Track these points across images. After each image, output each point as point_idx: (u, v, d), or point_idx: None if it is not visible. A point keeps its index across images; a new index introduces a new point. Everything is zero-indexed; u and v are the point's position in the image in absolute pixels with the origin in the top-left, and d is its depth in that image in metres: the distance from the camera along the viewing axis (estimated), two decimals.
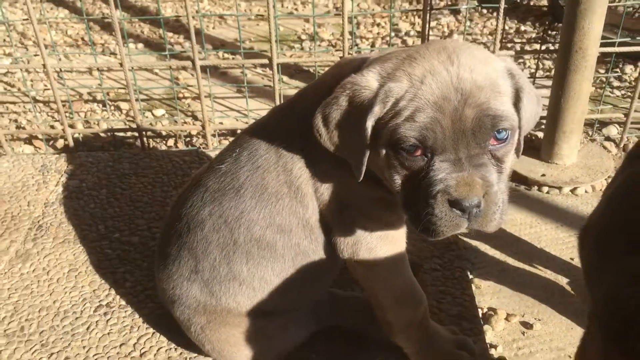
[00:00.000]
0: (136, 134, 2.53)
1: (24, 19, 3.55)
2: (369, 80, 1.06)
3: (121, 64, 2.23)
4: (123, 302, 1.63)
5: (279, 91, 2.29)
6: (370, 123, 1.05)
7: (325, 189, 1.23)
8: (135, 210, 1.99)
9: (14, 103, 2.75)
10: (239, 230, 1.26)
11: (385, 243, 1.29)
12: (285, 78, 3.10)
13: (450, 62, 1.02)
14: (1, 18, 2.80)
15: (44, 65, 2.21)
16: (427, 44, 1.09)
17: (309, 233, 1.26)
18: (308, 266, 1.27)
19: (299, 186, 1.22)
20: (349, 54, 3.35)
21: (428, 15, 2.25)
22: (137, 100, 2.77)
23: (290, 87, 2.97)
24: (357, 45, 3.43)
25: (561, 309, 1.78)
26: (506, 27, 3.60)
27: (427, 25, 2.25)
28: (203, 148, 2.51)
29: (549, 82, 2.33)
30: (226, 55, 3.34)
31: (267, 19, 2.13)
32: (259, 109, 2.80)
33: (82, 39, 3.58)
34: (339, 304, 1.51)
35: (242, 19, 3.77)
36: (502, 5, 2.10)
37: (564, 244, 2.02)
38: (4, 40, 3.49)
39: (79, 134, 2.51)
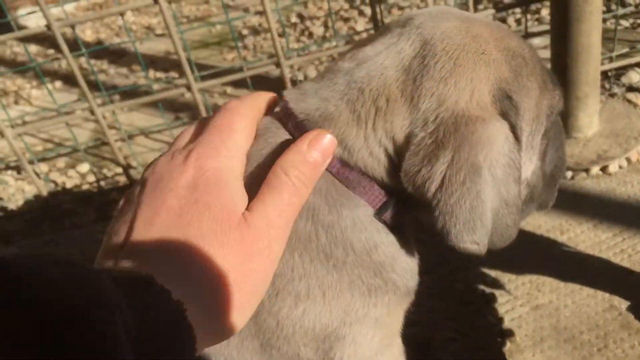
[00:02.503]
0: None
1: None
2: (491, 131, 0.73)
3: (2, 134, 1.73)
4: None
5: None
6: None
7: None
8: None
9: None
10: None
11: None
12: (229, 89, 2.59)
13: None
14: None
15: None
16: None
17: None
18: None
19: None
20: (297, 40, 2.84)
21: None
22: (55, 157, 2.28)
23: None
24: (307, 29, 2.91)
25: (629, 352, 1.31)
26: None
27: None
28: None
29: (540, 28, 1.82)
30: (158, 75, 2.83)
31: (169, 33, 1.62)
32: None
33: None
34: None
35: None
36: None
37: (609, 249, 1.54)
38: None
39: None
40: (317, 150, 0.67)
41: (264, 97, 0.75)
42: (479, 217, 0.70)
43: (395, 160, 0.75)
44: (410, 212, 0.79)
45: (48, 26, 1.57)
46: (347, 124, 0.74)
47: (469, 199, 0.70)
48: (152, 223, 0.56)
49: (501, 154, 0.72)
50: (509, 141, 0.73)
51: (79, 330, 0.36)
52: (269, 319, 0.75)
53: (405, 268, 0.80)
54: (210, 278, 0.55)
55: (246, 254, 0.58)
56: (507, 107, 0.74)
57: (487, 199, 0.71)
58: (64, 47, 1.61)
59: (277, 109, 0.82)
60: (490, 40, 0.75)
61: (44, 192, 1.89)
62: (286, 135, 0.77)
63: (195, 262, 0.54)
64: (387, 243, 0.77)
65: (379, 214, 0.76)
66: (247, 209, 0.60)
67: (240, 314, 0.59)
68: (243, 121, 0.68)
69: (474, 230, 0.70)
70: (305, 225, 0.73)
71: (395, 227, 0.80)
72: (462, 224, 0.70)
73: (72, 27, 1.71)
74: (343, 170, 0.74)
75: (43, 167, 2.35)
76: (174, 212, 0.56)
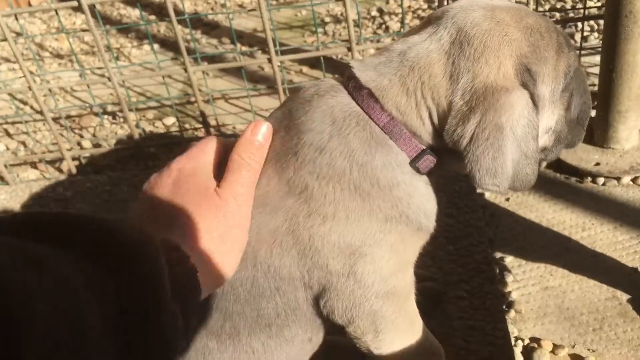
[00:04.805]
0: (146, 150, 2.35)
1: (55, 32, 3.43)
2: (513, 98, 0.94)
3: (109, 79, 2.04)
4: None
5: (282, 92, 2.04)
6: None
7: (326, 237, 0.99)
8: None
9: (24, 122, 2.60)
10: None
11: (396, 297, 1.05)
12: (304, 69, 2.84)
13: None
14: (20, 30, 2.67)
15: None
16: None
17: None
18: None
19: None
20: (374, 33, 3.05)
21: None
22: (146, 108, 2.60)
23: (309, 79, 2.71)
24: (384, 23, 3.12)
25: (621, 335, 1.48)
26: None
27: None
28: None
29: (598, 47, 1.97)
30: (244, 49, 3.12)
31: (259, 9, 1.88)
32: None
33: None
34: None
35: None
36: None
37: (624, 249, 1.70)
38: (22, 53, 3.38)
39: (79, 156, 2.35)
40: (258, 135, 0.96)
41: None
42: (500, 165, 0.92)
43: (436, 122, 0.97)
44: (440, 165, 1.01)
45: None
46: (397, 94, 0.97)
47: (491, 151, 0.91)
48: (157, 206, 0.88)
49: (521, 116, 0.92)
50: (528, 106, 0.93)
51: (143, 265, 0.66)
52: (303, 233, 0.98)
53: (419, 207, 1.01)
54: (202, 235, 0.84)
55: (223, 215, 0.87)
56: (526, 78, 0.94)
57: (507, 152, 0.92)
58: (171, 10, 1.89)
59: (338, 76, 1.07)
60: (511, 23, 0.96)
61: (135, 135, 2.19)
62: (344, 95, 1.00)
63: (190, 225, 0.84)
64: (408, 183, 0.99)
65: (413, 161, 0.99)
66: (218, 186, 0.90)
67: (228, 261, 0.87)
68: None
69: (495, 175, 0.93)
70: (342, 162, 0.96)
71: (424, 175, 1.02)
72: (484, 170, 0.92)
73: None
74: (389, 124, 0.97)
75: (134, 117, 2.67)
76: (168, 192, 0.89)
